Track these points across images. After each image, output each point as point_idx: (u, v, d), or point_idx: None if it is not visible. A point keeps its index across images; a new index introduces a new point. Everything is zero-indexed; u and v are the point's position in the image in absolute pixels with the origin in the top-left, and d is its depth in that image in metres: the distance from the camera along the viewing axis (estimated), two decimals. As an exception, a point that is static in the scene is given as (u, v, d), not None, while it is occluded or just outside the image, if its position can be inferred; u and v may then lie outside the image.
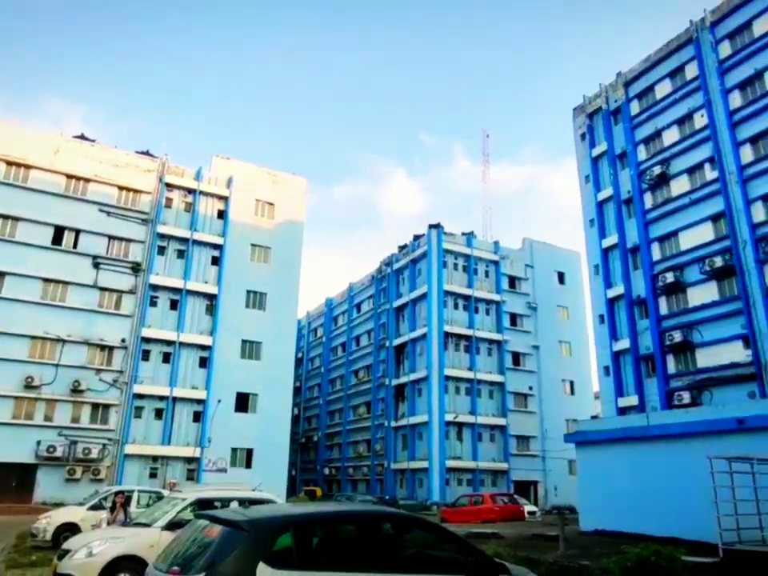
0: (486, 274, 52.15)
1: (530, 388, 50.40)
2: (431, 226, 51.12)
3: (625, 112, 39.96)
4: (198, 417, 38.57)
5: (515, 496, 33.23)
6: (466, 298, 50.04)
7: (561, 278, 55.48)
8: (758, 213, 30.90)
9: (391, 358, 53.01)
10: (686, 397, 31.63)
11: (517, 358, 51.15)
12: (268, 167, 46.13)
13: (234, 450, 38.89)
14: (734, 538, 9.00)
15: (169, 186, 41.34)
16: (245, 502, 9.53)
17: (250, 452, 39.20)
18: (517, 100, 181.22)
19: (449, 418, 45.54)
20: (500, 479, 46.85)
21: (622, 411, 34.61)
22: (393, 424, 50.72)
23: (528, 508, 28.66)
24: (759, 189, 30.99)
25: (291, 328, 43.96)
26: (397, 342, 52.57)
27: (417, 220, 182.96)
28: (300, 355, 67.44)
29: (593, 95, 43.22)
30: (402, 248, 55.88)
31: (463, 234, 52.63)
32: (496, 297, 51.23)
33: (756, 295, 29.91)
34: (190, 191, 42.05)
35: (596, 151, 41.69)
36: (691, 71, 36.10)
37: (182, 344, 38.80)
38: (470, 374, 47.72)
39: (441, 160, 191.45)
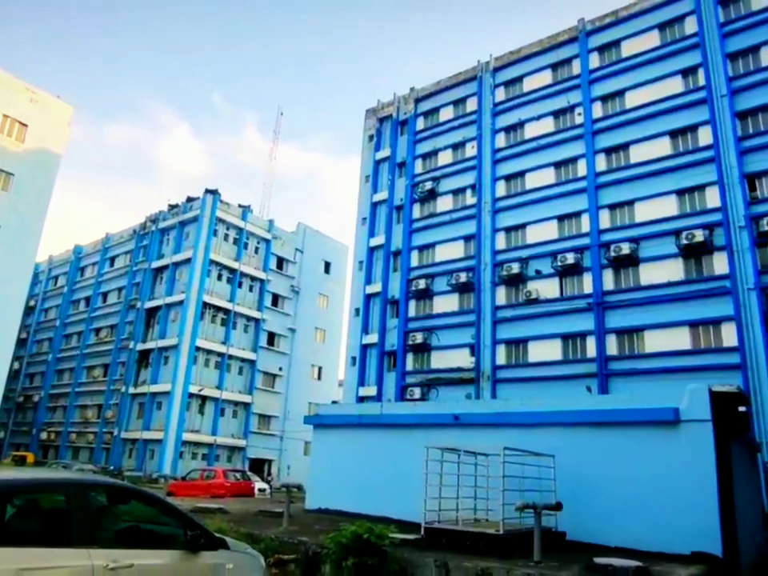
0: (256, 250, 51.75)
1: (280, 369, 51.35)
2: (208, 191, 49.03)
3: (411, 125, 42.94)
4: None
5: (248, 473, 33.56)
6: (232, 270, 49.05)
7: (327, 267, 57.53)
8: (500, 241, 35.70)
9: (141, 320, 49.53)
10: (417, 392, 35.22)
11: (272, 338, 51.68)
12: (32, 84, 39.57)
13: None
14: (435, 517, 10.29)
15: None
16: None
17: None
18: (320, 87, 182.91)
19: (193, 389, 44.19)
20: (236, 455, 46.87)
21: (362, 400, 37.20)
22: (131, 390, 47.45)
23: (259, 485, 29.17)
24: (505, 221, 35.80)
25: (26, 269, 38.41)
26: (150, 304, 49.30)
27: (194, 182, 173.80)
28: (32, 303, 59.36)
29: (386, 102, 45.59)
30: (172, 207, 52.52)
31: (240, 206, 51.46)
32: (262, 275, 51.12)
33: (486, 311, 34.50)
34: None
35: (380, 155, 44.07)
36: (471, 105, 40.26)
37: None
38: (222, 348, 46.87)
39: (230, 127, 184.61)
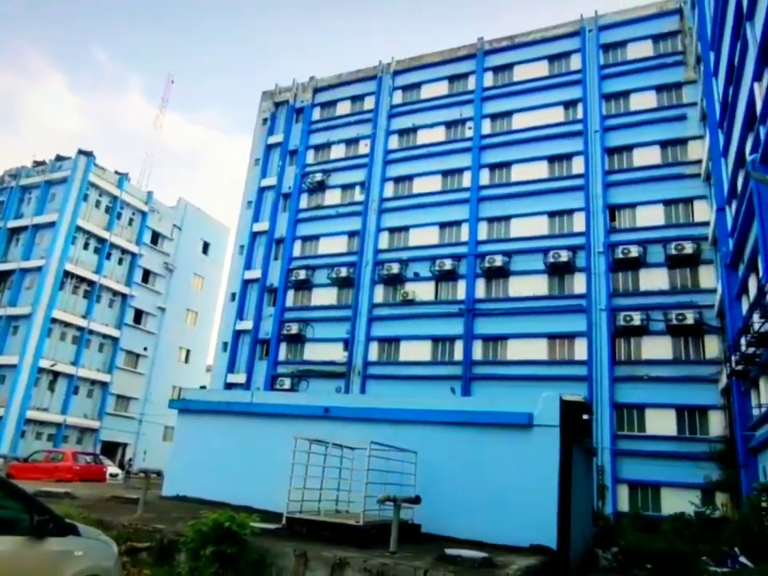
0: (130, 222, 48.76)
1: (145, 349, 48.79)
2: (81, 152, 45.41)
3: (307, 114, 42.61)
4: None
5: (100, 456, 31.61)
6: (101, 240, 45.82)
7: (206, 247, 55.50)
8: (384, 241, 36.46)
9: (-12, 284, 44.79)
10: (288, 383, 35.08)
11: (139, 315, 48.97)
12: None
13: None
14: (298, 508, 10.39)
15: None
16: None
17: None
18: (215, 60, 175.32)
19: (45, 364, 40.73)
20: (87, 437, 43.85)
21: (230, 386, 36.37)
22: (-32, 360, 42.78)
23: (111, 470, 27.59)
24: (390, 221, 36.64)
25: None
26: (1, 267, 44.75)
27: (66, 140, 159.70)
28: None
29: (284, 87, 44.86)
30: (38, 164, 47.98)
31: (117, 173, 48.17)
32: (134, 248, 48.27)
33: (363, 308, 35.11)
34: None
35: (272, 140, 43.28)
36: (369, 103, 40.73)
37: None
38: (82, 322, 43.65)
39: (112, 86, 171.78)
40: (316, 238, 38.85)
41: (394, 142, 38.96)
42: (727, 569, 15.19)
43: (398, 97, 40.10)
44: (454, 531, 10.94)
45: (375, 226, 36.80)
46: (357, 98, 41.60)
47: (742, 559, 15.57)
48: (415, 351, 32.92)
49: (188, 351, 52.66)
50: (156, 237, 50.71)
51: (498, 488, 11.04)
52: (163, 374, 48.75)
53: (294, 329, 36.12)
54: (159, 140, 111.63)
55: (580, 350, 29.47)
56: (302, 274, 37.31)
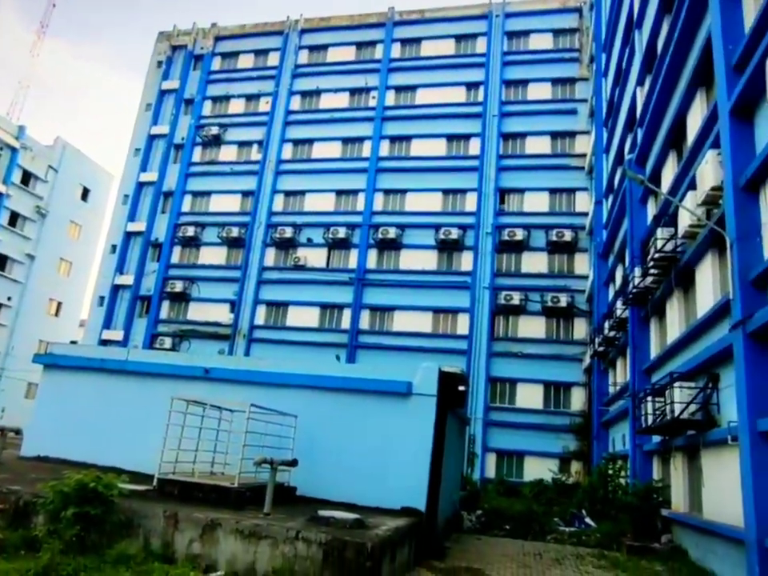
0: (-2, 157, 44.05)
1: (9, 299, 44.72)
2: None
3: (207, 63, 40.41)
4: None
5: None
6: (-39, 175, 41.14)
7: (85, 194, 51.40)
8: (278, 203, 35.70)
9: None
10: (169, 342, 33.77)
11: (3, 261, 44.70)
12: None
13: None
14: (171, 469, 10.13)
15: None
16: None
17: None
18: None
19: None
20: (-67, 391, 39.84)
21: (105, 343, 34.43)
22: None
23: (-39, 426, 25.34)
24: (286, 184, 35.90)
25: None
26: None
27: None
28: None
29: (183, 30, 42.20)
30: None
31: (-17, 101, 43.21)
32: (1, 187, 43.74)
33: (253, 270, 34.35)
34: None
35: (167, 85, 40.71)
36: (273, 60, 39.30)
37: None
38: (-67, 264, 39.22)
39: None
40: (208, 194, 37.30)
41: (296, 102, 37.99)
42: (574, 528, 16.80)
43: (303, 57, 39.01)
44: (330, 494, 11.18)
45: (271, 187, 35.93)
46: (261, 53, 39.99)
47: (588, 520, 17.28)
48: (303, 317, 32.81)
49: (59, 304, 48.93)
50: (27, 177, 46.17)
51: (374, 453, 11.37)
52: (29, 326, 45.00)
53: (179, 287, 34.70)
54: (36, 70, 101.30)
55: (462, 324, 30.77)
56: (191, 231, 35.78)
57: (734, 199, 10.28)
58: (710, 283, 12.26)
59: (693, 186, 12.62)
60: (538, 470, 26.18)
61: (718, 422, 11.48)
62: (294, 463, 9.89)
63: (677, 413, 11.95)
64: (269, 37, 39.94)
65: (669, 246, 13.96)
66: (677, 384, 12.40)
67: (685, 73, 14.40)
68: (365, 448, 11.46)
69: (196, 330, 34.26)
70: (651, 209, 17.84)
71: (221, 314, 34.27)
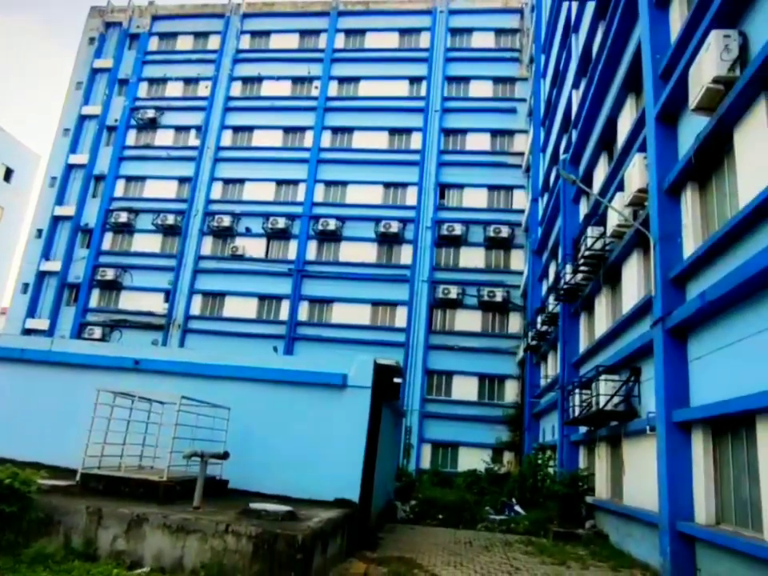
0: None
1: None
2: None
3: (143, 42, 38.93)
4: None
5: None
6: None
7: (8, 174, 48.35)
8: (217, 191, 34.92)
9: None
10: (98, 332, 32.49)
11: None
12: None
13: None
14: (96, 464, 9.77)
15: None
16: None
17: None
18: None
19: None
20: None
21: (29, 333, 32.80)
22: None
23: None
24: (225, 172, 35.12)
25: None
26: None
27: None
28: None
29: (119, 6, 40.53)
30: None
31: None
32: None
33: (189, 259, 33.46)
34: None
35: (99, 63, 38.99)
36: (214, 43, 38.25)
37: None
38: None
39: None
40: (142, 179, 36.01)
41: (237, 88, 37.15)
42: (504, 516, 17.30)
43: (245, 42, 38.16)
44: (263, 487, 11.06)
45: (209, 174, 35.06)
46: (201, 35, 38.84)
47: (517, 508, 17.84)
48: (241, 308, 32.26)
49: (-22, 290, 46.22)
50: (-57, 154, 43.31)
51: (309, 445, 11.34)
52: (-57, 313, 42.38)
53: (110, 275, 33.41)
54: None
55: (401, 317, 31.03)
56: (124, 217, 34.49)
57: (657, 201, 10.78)
58: (634, 281, 12.83)
59: (621, 187, 13.14)
60: (472, 460, 26.78)
61: (638, 413, 12.06)
62: (225, 456, 9.74)
63: (601, 404, 12.48)
64: (209, 19, 38.85)
65: (598, 245, 14.51)
66: (602, 377, 12.94)
67: (617, 78, 14.96)
68: (300, 440, 11.41)
69: (128, 320, 33.12)
70: (583, 208, 18.49)
71: (155, 303, 33.26)
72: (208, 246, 33.95)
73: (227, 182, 35.08)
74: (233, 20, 38.37)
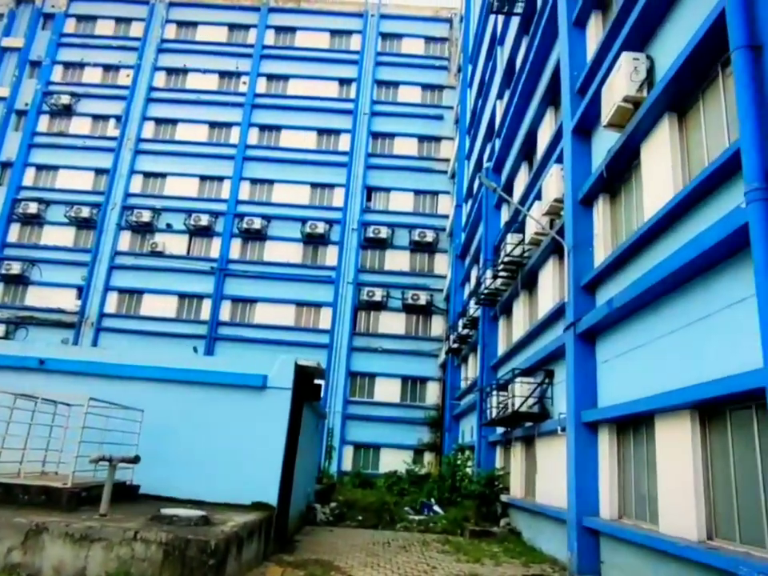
0: None
1: None
2: None
3: (58, 23, 36.86)
4: None
5: None
6: None
7: None
8: (136, 184, 33.51)
9: None
10: (1, 329, 30.48)
11: None
12: None
13: None
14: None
15: None
16: None
17: None
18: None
19: None
20: None
21: None
22: None
23: None
24: (145, 164, 33.76)
25: None
26: None
27: None
28: None
29: (32, -15, 38.11)
30: None
31: None
32: None
33: (104, 254, 31.95)
34: None
35: (9, 42, 36.61)
36: (137, 30, 36.76)
37: None
38: None
39: None
40: (55, 168, 34.05)
41: (160, 79, 35.84)
42: (423, 516, 17.56)
43: (170, 31, 36.88)
44: (178, 492, 10.70)
45: (129, 166, 33.62)
46: (122, 21, 37.21)
47: (436, 508, 18.15)
48: (160, 306, 31.12)
49: None
50: None
51: (227, 447, 11.07)
52: None
53: (16, 268, 31.37)
54: None
55: (325, 319, 30.89)
56: (33, 207, 32.47)
57: (572, 211, 11.27)
58: (550, 287, 13.36)
59: (540, 196, 13.67)
60: (393, 461, 27.02)
61: (550, 414, 12.56)
62: (135, 460, 9.35)
63: (516, 406, 12.91)
64: (133, 5, 37.27)
65: (517, 251, 15.02)
66: (518, 379, 13.38)
67: (538, 91, 15.54)
68: (217, 443, 11.13)
69: (35, 317, 31.21)
70: (504, 215, 19.08)
71: (66, 300, 31.52)
72: (126, 241, 32.54)
73: (148, 175, 33.76)
74: (158, 8, 37.02)
